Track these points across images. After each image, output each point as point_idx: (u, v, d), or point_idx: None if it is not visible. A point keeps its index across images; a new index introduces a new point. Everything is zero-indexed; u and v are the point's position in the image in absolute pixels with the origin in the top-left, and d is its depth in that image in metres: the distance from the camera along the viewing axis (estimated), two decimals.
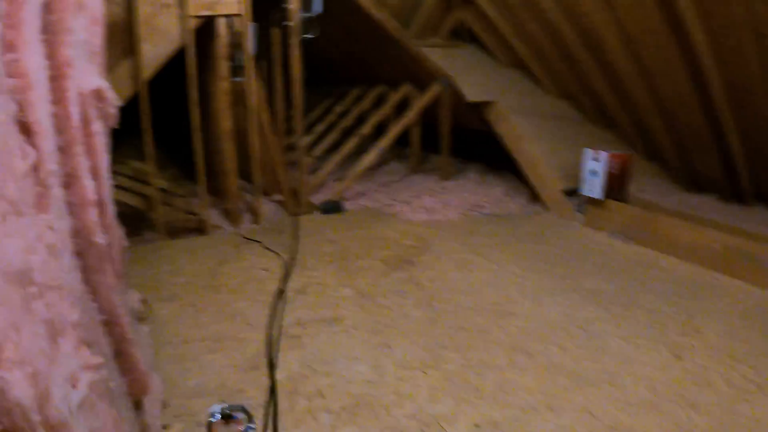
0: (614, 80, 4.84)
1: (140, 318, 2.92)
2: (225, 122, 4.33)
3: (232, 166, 4.44)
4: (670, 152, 5.06)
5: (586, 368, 2.41)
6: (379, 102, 6.37)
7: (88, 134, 2.25)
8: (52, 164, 1.37)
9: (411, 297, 3.10)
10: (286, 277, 3.38)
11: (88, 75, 2.25)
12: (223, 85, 4.27)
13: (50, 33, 1.80)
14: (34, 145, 1.29)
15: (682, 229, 3.74)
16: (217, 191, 5.01)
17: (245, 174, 4.66)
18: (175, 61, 4.15)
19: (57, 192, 1.46)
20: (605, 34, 4.30)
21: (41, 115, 1.33)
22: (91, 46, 2.49)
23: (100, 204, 2.32)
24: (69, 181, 1.92)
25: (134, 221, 4.54)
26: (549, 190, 4.69)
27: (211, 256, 3.82)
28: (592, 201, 4.30)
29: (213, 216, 4.66)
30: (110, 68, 3.90)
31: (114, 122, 2.56)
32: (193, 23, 4.07)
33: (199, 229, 4.39)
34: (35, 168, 1.28)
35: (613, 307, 2.97)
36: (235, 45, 4.29)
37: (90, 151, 2.25)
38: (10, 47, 1.22)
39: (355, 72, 6.61)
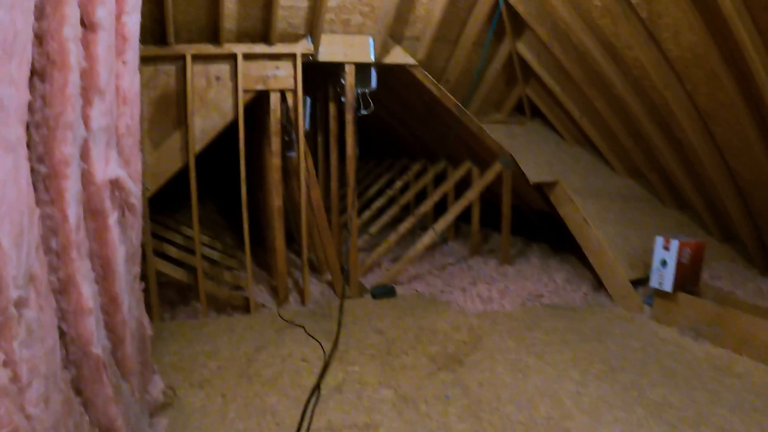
0: (686, 158, 4.54)
1: (163, 406, 2.78)
2: (276, 199, 4.23)
3: (281, 244, 4.31)
4: (746, 234, 4.69)
5: None
6: (440, 178, 6.19)
7: (102, 227, 2.13)
8: (15, 291, 1.21)
9: (456, 404, 2.79)
10: (323, 371, 3.13)
11: (105, 164, 2.14)
12: (274, 161, 4.18)
13: (47, 129, 1.68)
14: None
15: (759, 327, 3.31)
16: (269, 265, 4.88)
17: (300, 250, 4.53)
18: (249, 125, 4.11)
19: (30, 314, 1.31)
20: (676, 109, 4.02)
21: (2, 234, 1.16)
22: (115, 130, 2.41)
23: (112, 301, 2.18)
24: (63, 287, 1.78)
25: (182, 291, 4.45)
26: (614, 279, 4.32)
27: (251, 339, 3.65)
28: (661, 293, 3.91)
29: (259, 294, 4.52)
30: (161, 140, 3.93)
31: (136, 213, 2.45)
32: (245, 98, 4.02)
33: (244, 306, 4.23)
34: None
35: (681, 425, 2.57)
36: (289, 119, 4.21)
37: (102, 244, 2.13)
38: None
39: (417, 146, 6.48)
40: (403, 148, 7.07)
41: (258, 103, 4.26)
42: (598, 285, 4.56)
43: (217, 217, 7.47)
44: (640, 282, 4.25)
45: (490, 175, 5.06)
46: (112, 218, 2.16)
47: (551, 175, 4.83)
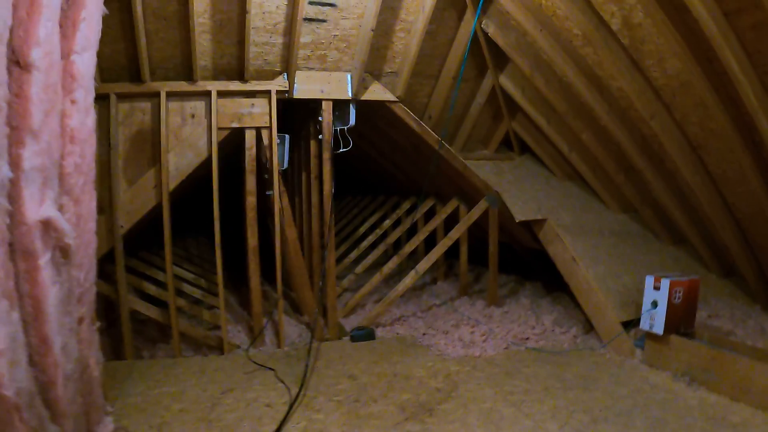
0: (679, 191, 4.42)
1: None
2: (251, 239, 4.13)
3: (256, 284, 4.20)
4: (746, 268, 4.52)
5: None
6: (430, 215, 6.07)
7: (32, 268, 2.04)
8: None
9: None
10: (284, 419, 2.98)
11: (38, 205, 2.06)
12: (249, 199, 4.09)
13: None
14: None
15: (757, 371, 3.10)
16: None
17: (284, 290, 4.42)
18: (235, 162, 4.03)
19: None
20: (665, 140, 3.91)
21: None
22: (60, 169, 2.33)
23: (42, 342, 2.09)
24: None
25: (163, 329, 4.33)
26: (605, 320, 4.14)
27: (219, 382, 3.53)
28: (652, 336, 3.73)
29: (236, 334, 4.40)
30: (135, 177, 3.89)
31: (72, 254, 2.35)
32: (220, 135, 3.96)
33: (219, 347, 4.10)
34: None
35: None
36: (266, 157, 4.13)
37: (32, 285, 2.05)
38: None
39: (407, 183, 6.37)
40: (394, 186, 6.98)
41: (240, 140, 4.19)
42: (589, 327, 4.37)
43: (209, 254, 7.35)
44: (633, 323, 4.05)
45: (474, 214, 4.93)
46: (44, 259, 2.08)
47: (539, 212, 4.69)
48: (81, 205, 2.51)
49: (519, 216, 4.60)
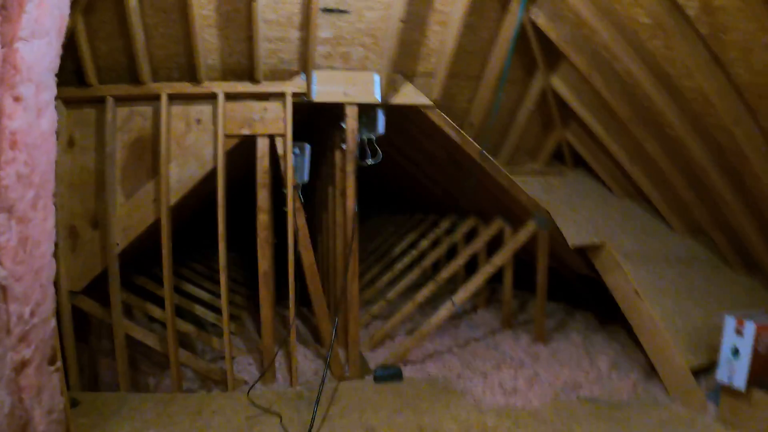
0: (758, 212, 3.78)
1: None
2: (262, 261, 3.66)
3: (267, 313, 3.71)
4: None
5: None
6: (471, 236, 5.49)
7: None
8: None
9: None
10: None
11: None
12: (261, 217, 3.62)
13: None
14: None
15: None
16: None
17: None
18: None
19: None
20: (747, 150, 3.29)
21: None
22: None
23: None
24: None
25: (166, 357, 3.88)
26: (671, 367, 3.51)
27: (215, 427, 3.07)
28: (730, 390, 3.08)
29: (245, 366, 3.97)
30: (133, 190, 3.54)
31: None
32: (227, 143, 3.51)
33: (224, 381, 3.65)
34: None
35: None
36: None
37: None
38: None
39: (446, 200, 5.84)
40: (431, 203, 6.47)
41: (252, 149, 3.74)
42: (651, 370, 3.73)
43: (235, 271, 6.92)
44: (704, 370, 3.41)
45: (521, 236, 4.31)
46: None
47: (596, 235, 4.10)
48: (28, 225, 2.05)
49: (573, 240, 4.00)
